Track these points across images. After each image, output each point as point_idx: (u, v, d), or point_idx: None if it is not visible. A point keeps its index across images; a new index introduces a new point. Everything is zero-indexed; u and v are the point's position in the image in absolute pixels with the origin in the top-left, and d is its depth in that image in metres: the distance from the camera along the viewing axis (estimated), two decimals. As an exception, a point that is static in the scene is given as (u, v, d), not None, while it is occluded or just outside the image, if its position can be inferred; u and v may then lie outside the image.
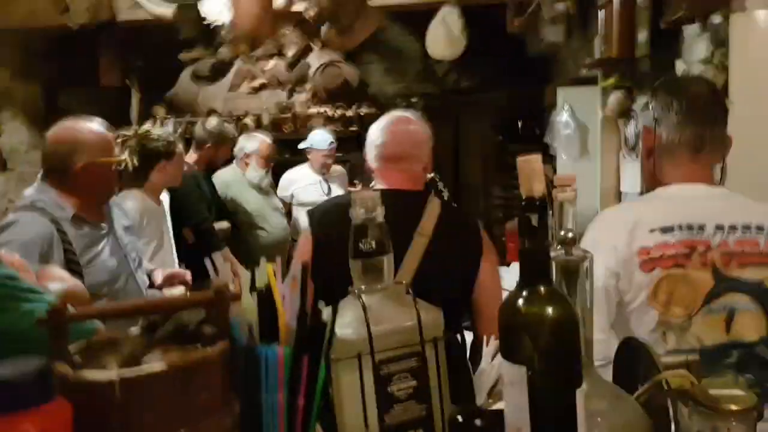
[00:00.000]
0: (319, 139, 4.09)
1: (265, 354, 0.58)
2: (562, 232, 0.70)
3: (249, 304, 0.60)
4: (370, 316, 0.66)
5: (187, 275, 2.09)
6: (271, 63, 5.08)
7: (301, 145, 4.21)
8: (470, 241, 1.65)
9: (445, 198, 3.64)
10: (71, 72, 4.93)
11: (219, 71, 5.02)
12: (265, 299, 0.60)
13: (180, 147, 2.84)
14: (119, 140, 2.47)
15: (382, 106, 5.86)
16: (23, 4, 3.71)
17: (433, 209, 1.61)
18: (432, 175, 3.69)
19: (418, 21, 4.18)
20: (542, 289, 0.59)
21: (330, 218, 1.66)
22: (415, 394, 0.67)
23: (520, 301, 0.59)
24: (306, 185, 4.08)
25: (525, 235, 0.59)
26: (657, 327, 1.23)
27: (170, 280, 2.04)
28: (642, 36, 2.82)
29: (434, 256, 1.52)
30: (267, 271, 0.61)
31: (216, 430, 0.55)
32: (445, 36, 3.16)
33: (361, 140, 4.14)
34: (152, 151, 2.64)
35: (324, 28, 2.25)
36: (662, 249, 1.22)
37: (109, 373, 0.51)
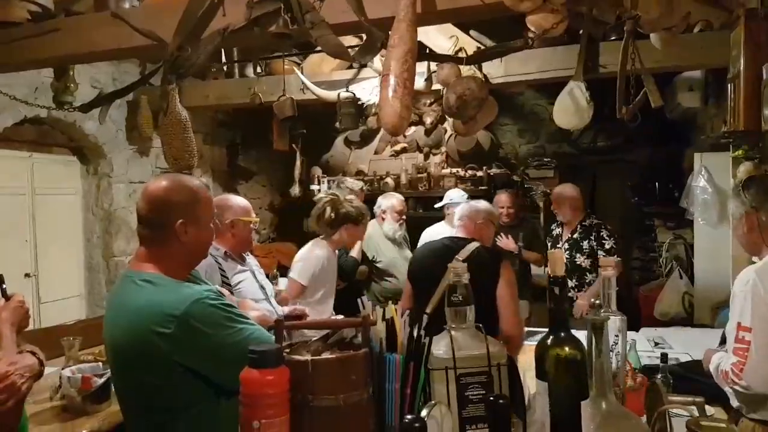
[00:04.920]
0: (458, 196, 4.62)
1: (388, 359, 0.98)
2: (593, 300, 1.02)
3: (381, 328, 1.01)
4: (456, 344, 1.03)
5: (305, 311, 2.64)
6: (412, 129, 5.66)
7: (439, 204, 4.70)
8: (491, 266, 2.52)
9: (606, 247, 3.94)
10: (249, 138, 5.89)
11: (367, 138, 5.70)
12: (391, 326, 1.01)
13: (368, 220, 3.48)
14: (328, 197, 3.28)
15: (512, 166, 6.19)
16: (217, 87, 4.63)
17: (470, 247, 2.58)
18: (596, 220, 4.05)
19: (549, 87, 4.51)
20: (562, 334, 0.93)
21: (421, 254, 2.89)
22: (484, 399, 1.02)
23: (548, 341, 0.94)
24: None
25: (551, 300, 0.94)
26: None
27: (293, 312, 2.59)
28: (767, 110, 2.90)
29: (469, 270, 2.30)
30: (391, 309, 1.02)
31: (359, 398, 0.97)
32: (571, 108, 3.42)
33: (489, 199, 4.58)
34: (347, 214, 3.28)
35: (450, 119, 2.72)
36: None
37: (305, 357, 0.94)
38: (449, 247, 2.63)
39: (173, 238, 1.51)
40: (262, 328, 1.46)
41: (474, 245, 2.60)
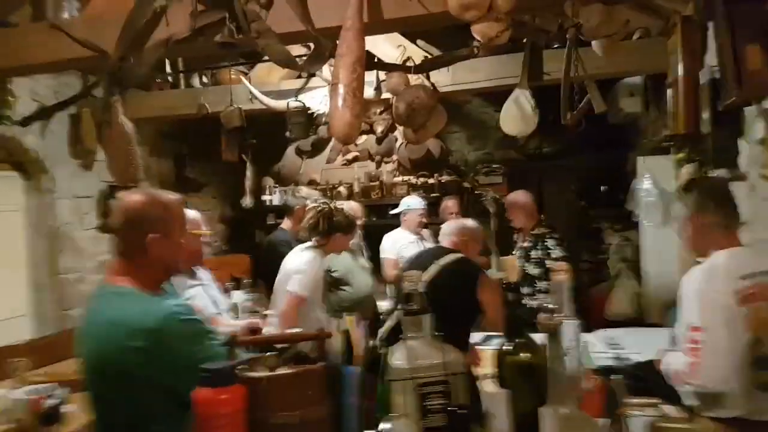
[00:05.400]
0: (415, 202, 4.72)
1: (346, 372, 0.97)
2: (546, 304, 1.04)
3: (338, 340, 0.99)
4: (413, 354, 1.02)
5: (259, 324, 2.69)
6: (363, 138, 5.67)
7: (396, 210, 4.75)
8: (470, 272, 2.81)
9: (553, 256, 3.96)
10: (197, 149, 5.76)
11: (318, 147, 5.66)
12: (347, 338, 0.99)
13: (356, 229, 3.53)
14: (318, 206, 3.32)
15: (462, 173, 6.28)
16: (161, 98, 4.52)
17: (454, 255, 2.83)
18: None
19: (496, 94, 4.59)
20: (519, 341, 0.94)
21: (413, 256, 3.22)
22: (444, 408, 1.02)
23: (506, 348, 0.94)
24: (407, 243, 4.58)
25: (507, 305, 0.94)
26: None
27: (249, 326, 2.59)
28: (706, 114, 3.00)
29: (443, 277, 2.69)
30: (348, 321, 1.01)
31: (317, 413, 0.95)
32: (517, 115, 3.49)
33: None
34: (338, 223, 3.28)
35: (401, 127, 2.79)
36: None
37: (261, 373, 0.92)
38: (435, 254, 2.97)
39: (146, 251, 1.52)
40: None
41: (458, 254, 2.88)
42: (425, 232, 4.87)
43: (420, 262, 2.92)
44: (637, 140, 5.48)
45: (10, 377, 2.66)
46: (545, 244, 3.99)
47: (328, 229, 3.27)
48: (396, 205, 4.87)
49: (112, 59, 2.35)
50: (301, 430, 0.96)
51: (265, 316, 3.36)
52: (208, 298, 2.61)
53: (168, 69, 4.34)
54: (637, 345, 2.99)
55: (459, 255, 2.85)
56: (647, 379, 2.14)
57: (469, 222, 3.21)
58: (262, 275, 4.19)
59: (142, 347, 1.36)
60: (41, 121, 3.12)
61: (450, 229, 3.11)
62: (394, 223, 4.85)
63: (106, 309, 1.48)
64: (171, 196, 1.65)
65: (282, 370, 0.98)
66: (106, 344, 1.42)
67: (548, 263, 3.92)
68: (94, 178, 4.66)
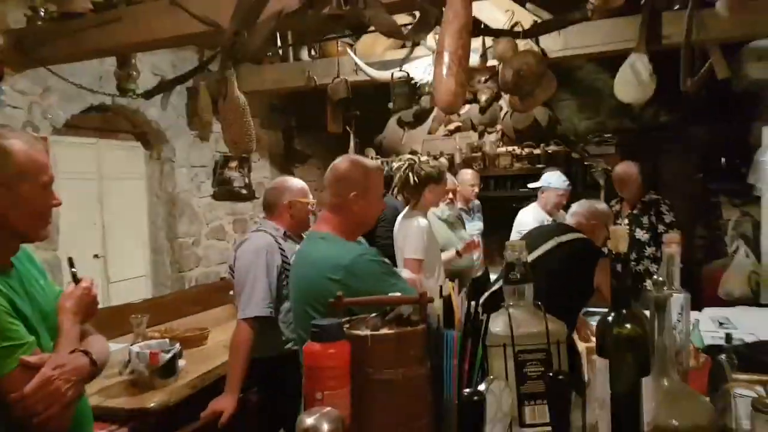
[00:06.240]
0: (556, 179, 4.45)
1: (446, 335, 1.00)
2: (656, 277, 1.00)
3: (438, 305, 1.02)
4: (513, 322, 1.03)
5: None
6: (466, 108, 5.58)
7: (535, 184, 4.57)
8: (588, 255, 2.65)
9: (666, 221, 4.00)
10: (304, 121, 5.95)
11: (420, 117, 5.65)
12: (448, 303, 1.02)
13: (446, 176, 3.51)
14: (404, 163, 3.36)
15: (571, 143, 6.02)
16: (272, 71, 4.70)
17: (574, 234, 2.71)
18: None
19: (610, 60, 4.34)
20: (624, 312, 0.92)
21: (533, 230, 3.12)
22: (542, 376, 1.03)
23: (609, 319, 0.93)
24: (544, 222, 4.40)
25: (614, 277, 0.92)
26: None
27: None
28: None
29: (559, 254, 2.59)
30: (449, 286, 1.03)
31: (417, 373, 0.99)
32: (633, 81, 3.29)
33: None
34: (428, 174, 3.30)
35: (506, 96, 2.70)
36: None
37: (365, 332, 0.97)
38: (556, 229, 2.90)
39: (347, 206, 1.83)
40: (411, 288, 1.67)
41: (579, 234, 2.74)
42: (562, 214, 4.66)
43: (539, 234, 2.84)
44: (763, 109, 5.01)
45: (132, 332, 2.89)
46: (659, 209, 3.94)
47: (420, 182, 3.27)
48: (503, 178, 4.75)
49: (227, 34, 2.46)
50: (403, 386, 1.01)
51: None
52: None
53: (278, 42, 4.48)
54: (751, 325, 2.79)
55: (580, 235, 2.72)
56: (759, 360, 2.01)
57: (602, 205, 3.05)
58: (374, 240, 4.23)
59: (339, 279, 1.64)
60: (162, 95, 3.33)
61: (581, 209, 2.95)
62: (497, 195, 4.76)
63: (314, 250, 1.83)
64: (372, 163, 1.94)
65: (384, 331, 1.03)
66: (313, 277, 1.74)
67: (661, 228, 3.85)
68: (209, 149, 4.98)
